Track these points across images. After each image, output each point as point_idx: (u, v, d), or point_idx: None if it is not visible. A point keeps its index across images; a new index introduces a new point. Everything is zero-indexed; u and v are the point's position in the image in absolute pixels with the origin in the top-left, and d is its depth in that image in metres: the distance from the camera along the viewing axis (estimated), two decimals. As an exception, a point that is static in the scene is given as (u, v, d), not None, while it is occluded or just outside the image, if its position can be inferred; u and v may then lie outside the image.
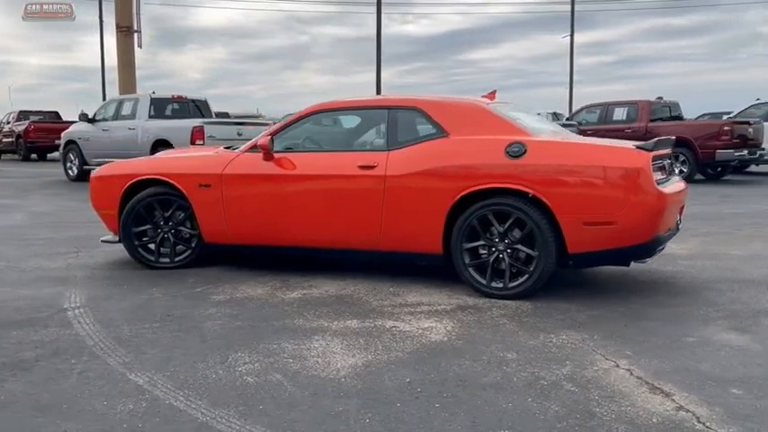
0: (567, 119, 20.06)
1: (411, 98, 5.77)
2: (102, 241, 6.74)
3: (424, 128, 5.58)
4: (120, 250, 6.84)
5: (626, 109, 17.38)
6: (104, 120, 15.88)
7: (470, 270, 5.29)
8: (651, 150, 5.04)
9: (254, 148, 6.01)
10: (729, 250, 7.23)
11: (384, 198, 5.44)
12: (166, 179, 6.18)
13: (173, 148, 13.88)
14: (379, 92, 17.04)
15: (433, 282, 5.69)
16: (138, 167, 6.48)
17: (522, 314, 4.81)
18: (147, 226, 6.33)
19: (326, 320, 4.67)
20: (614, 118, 17.41)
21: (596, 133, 15.63)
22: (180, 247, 6.34)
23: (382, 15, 30.57)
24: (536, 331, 4.42)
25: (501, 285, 5.21)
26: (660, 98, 17.35)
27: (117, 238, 6.52)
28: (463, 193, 5.20)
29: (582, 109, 19.16)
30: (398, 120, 5.64)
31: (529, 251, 5.12)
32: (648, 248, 5.10)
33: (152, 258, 6.33)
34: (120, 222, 6.30)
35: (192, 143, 13.61)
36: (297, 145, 6.06)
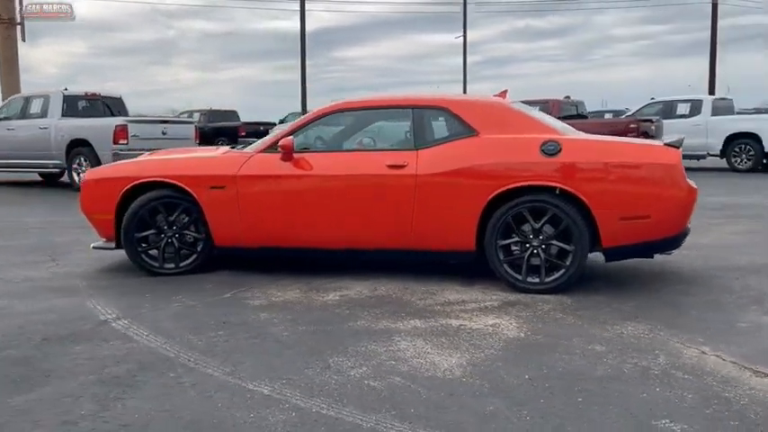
0: None
1: (437, 97, 5.81)
2: (93, 248, 6.36)
3: (452, 127, 5.62)
4: (103, 257, 6.61)
5: (537, 108, 17.71)
6: (7, 119, 14.89)
7: (505, 266, 5.40)
8: (679, 147, 5.32)
9: (270, 148, 5.87)
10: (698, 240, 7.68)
11: (415, 197, 5.46)
12: (173, 181, 5.92)
13: (91, 148, 13.28)
14: (304, 88, 16.90)
15: (457, 279, 5.74)
16: (137, 170, 6.17)
17: (569, 308, 4.95)
18: (151, 231, 6.04)
19: (389, 321, 4.64)
20: None
21: None
22: (184, 251, 6.08)
23: (251, 10, 30.04)
24: (598, 323, 4.57)
25: (537, 280, 5.34)
26: (568, 97, 17.98)
27: (112, 245, 6.19)
28: (499, 191, 5.30)
29: None
30: (424, 119, 5.67)
31: (565, 246, 5.28)
32: (677, 240, 5.38)
33: (156, 264, 6.06)
34: (122, 227, 5.98)
35: (115, 143, 13.02)
36: (314, 144, 5.97)
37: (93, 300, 5.26)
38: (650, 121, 16.77)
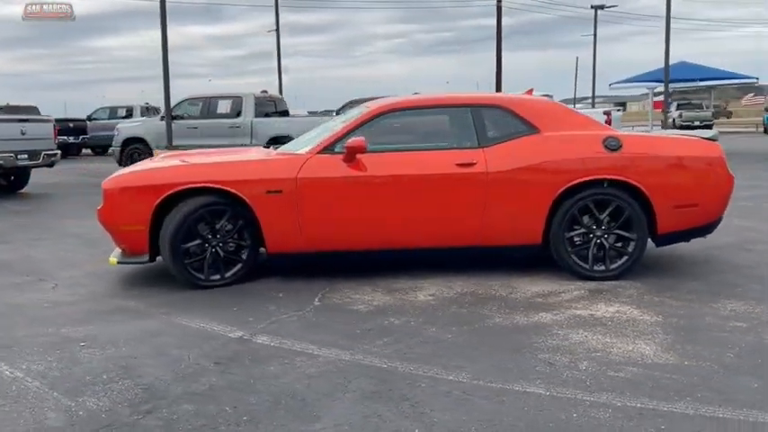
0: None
1: (493, 96, 6.00)
2: (118, 263, 5.78)
3: (513, 125, 5.79)
4: (98, 272, 6.25)
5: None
6: None
7: (573, 257, 5.70)
8: (716, 141, 5.94)
9: (327, 149, 5.70)
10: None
11: (486, 194, 5.59)
12: (224, 187, 5.55)
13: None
14: (167, 76, 15.99)
15: (511, 273, 5.92)
16: (176, 175, 5.69)
17: (652, 292, 5.31)
18: (196, 241, 5.62)
19: (521, 316, 4.76)
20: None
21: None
22: (228, 261, 5.72)
23: None
24: (700, 303, 4.98)
25: (603, 268, 5.70)
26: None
27: (143, 258, 5.68)
28: (569, 185, 5.58)
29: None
30: (484, 118, 5.80)
31: (627, 234, 5.68)
32: (715, 225, 5.98)
33: (201, 276, 5.64)
34: (168, 238, 5.50)
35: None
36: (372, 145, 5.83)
37: (180, 318, 4.84)
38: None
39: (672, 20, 21.93)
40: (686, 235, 5.96)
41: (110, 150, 18.83)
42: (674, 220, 5.74)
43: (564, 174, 5.60)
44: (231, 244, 5.71)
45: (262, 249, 5.77)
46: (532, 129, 5.75)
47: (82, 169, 20.05)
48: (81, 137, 26.70)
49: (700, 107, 39.40)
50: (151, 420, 3.20)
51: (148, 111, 26.25)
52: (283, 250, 5.71)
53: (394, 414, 3.22)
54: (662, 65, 22.89)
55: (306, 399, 3.41)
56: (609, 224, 5.68)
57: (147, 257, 5.68)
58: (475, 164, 5.60)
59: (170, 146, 15.09)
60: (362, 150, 5.51)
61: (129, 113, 25.97)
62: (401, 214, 5.64)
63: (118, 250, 6.14)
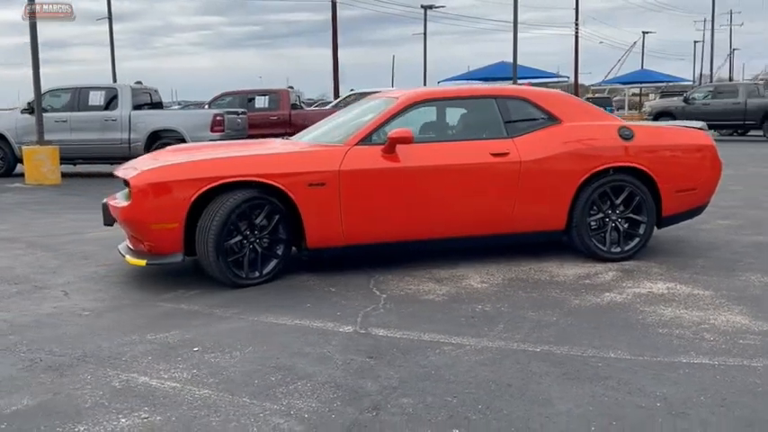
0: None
1: (517, 88, 6.21)
2: (148, 264, 5.38)
3: (537, 116, 6.04)
4: (93, 276, 5.86)
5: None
6: None
7: (594, 240, 6.05)
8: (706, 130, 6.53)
9: (364, 139, 5.65)
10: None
11: (519, 183, 5.80)
12: (265, 180, 5.34)
13: None
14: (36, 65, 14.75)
15: (533, 256, 6.17)
16: (214, 168, 5.37)
17: (672, 270, 5.75)
18: (238, 237, 5.36)
19: (592, 297, 5.02)
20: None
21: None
22: (264, 257, 5.52)
23: None
24: (723, 278, 5.50)
25: (619, 250, 6.10)
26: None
27: (176, 257, 5.34)
28: (592, 172, 5.92)
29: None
30: (509, 109, 6.00)
31: (639, 218, 6.12)
32: (704, 208, 6.56)
33: (242, 274, 5.40)
34: (212, 236, 5.20)
35: None
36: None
37: (260, 317, 4.64)
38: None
39: (491, 22, 23.16)
40: (684, 217, 6.49)
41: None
42: (676, 203, 6.24)
43: (587, 162, 5.92)
44: (266, 240, 5.50)
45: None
46: (555, 119, 6.02)
47: None
48: None
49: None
50: (386, 416, 3.09)
51: None
52: (323, 245, 5.58)
53: (613, 391, 3.33)
54: (486, 63, 24.20)
55: (511, 384, 3.44)
56: (623, 209, 6.07)
57: (180, 257, 5.33)
58: (508, 153, 5.79)
59: (41, 141, 13.93)
60: (409, 141, 5.51)
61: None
62: (441, 204, 5.71)
63: (125, 244, 5.76)
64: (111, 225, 5.92)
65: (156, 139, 14.56)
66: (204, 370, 3.70)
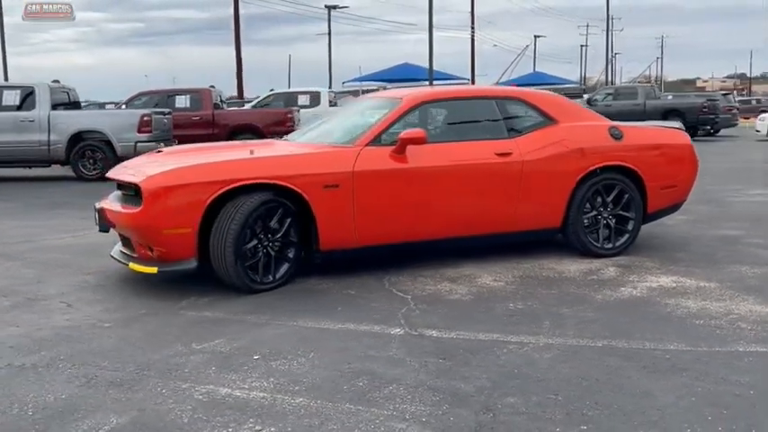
0: None
1: (514, 90, 6.30)
2: (160, 271, 5.16)
3: (533, 116, 6.17)
4: (85, 285, 5.55)
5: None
6: None
7: (588, 237, 6.24)
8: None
9: (374, 140, 5.62)
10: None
11: (521, 182, 5.92)
12: (281, 182, 5.23)
13: None
14: None
15: (530, 254, 6.28)
16: (230, 170, 5.21)
17: (666, 265, 5.97)
18: (254, 241, 5.23)
19: (609, 292, 5.18)
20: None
21: None
22: (276, 261, 5.41)
23: None
24: (724, 268, 5.78)
25: (611, 246, 6.31)
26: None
27: (189, 264, 5.16)
28: (587, 171, 6.10)
29: None
30: (507, 110, 6.11)
31: (628, 215, 6.35)
32: (681, 204, 6.88)
33: (258, 279, 5.27)
34: (231, 240, 5.04)
35: None
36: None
37: (298, 322, 4.55)
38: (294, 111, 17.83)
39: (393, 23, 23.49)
40: (665, 212, 6.78)
41: None
42: (660, 200, 6.52)
43: (583, 161, 6.10)
44: (277, 243, 5.38)
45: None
46: (551, 120, 6.17)
47: None
48: None
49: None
50: (505, 416, 3.11)
51: None
52: (336, 247, 5.52)
53: (701, 382, 3.46)
54: (389, 65, 24.44)
55: (599, 379, 3.51)
56: (613, 206, 6.29)
57: (194, 263, 5.15)
58: (511, 153, 5.89)
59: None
60: (423, 141, 5.52)
61: None
62: (450, 204, 5.75)
63: (118, 250, 5.53)
64: (107, 231, 5.65)
65: (79, 141, 13.93)
66: (281, 378, 3.59)
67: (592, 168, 6.10)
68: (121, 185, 5.59)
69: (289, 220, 5.34)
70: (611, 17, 64.80)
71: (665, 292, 5.12)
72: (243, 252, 5.12)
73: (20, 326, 4.59)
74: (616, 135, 6.26)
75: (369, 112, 6.09)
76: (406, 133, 5.51)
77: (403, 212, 5.63)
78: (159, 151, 6.19)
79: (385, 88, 28.79)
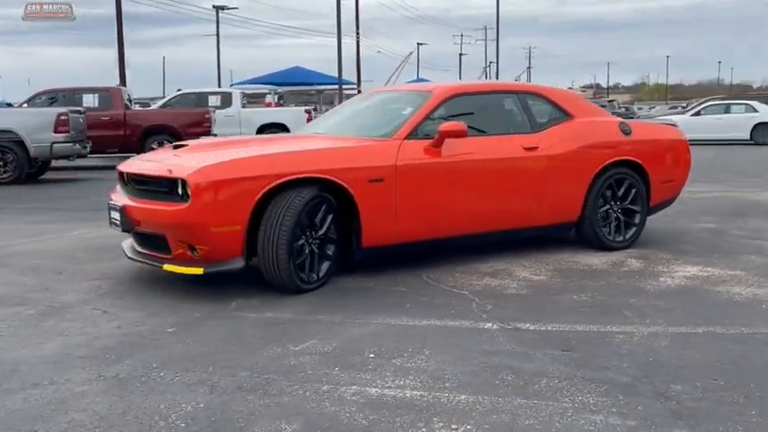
0: None
1: (532, 85, 6.28)
2: (205, 272, 4.79)
3: (552, 112, 6.21)
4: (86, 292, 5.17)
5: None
6: None
7: (603, 230, 6.35)
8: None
9: (411, 133, 5.48)
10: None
11: (546, 176, 5.95)
12: (328, 176, 5.01)
13: None
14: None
15: (546, 248, 6.31)
16: (277, 164, 4.92)
17: (682, 256, 6.13)
18: (303, 239, 4.98)
19: (654, 282, 5.26)
20: None
21: None
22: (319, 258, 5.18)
23: None
24: (740, 257, 6.01)
25: (621, 238, 6.45)
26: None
27: (239, 264, 4.85)
28: (603, 165, 6.21)
29: None
30: (528, 104, 6.12)
31: (635, 208, 6.51)
32: (676, 198, 7.11)
33: (305, 278, 5.02)
34: (283, 238, 4.76)
35: None
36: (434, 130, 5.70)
37: (373, 318, 4.36)
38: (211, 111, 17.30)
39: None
40: (663, 206, 6.99)
41: None
42: (661, 193, 6.72)
43: (600, 156, 6.20)
44: (318, 240, 5.15)
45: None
46: (568, 115, 6.24)
47: None
48: None
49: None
50: (689, 402, 3.07)
51: None
52: (378, 243, 5.33)
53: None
54: (280, 68, 24.18)
55: (736, 363, 3.54)
56: (622, 200, 6.42)
57: (241, 262, 4.84)
58: (537, 147, 5.90)
59: None
60: (463, 135, 5.43)
61: None
62: (486, 198, 5.70)
63: (132, 248, 5.20)
64: (130, 231, 5.22)
65: (-13, 142, 12.88)
66: (420, 375, 3.42)
67: (607, 162, 6.20)
68: (142, 180, 5.17)
69: (330, 216, 5.11)
70: (485, 27, 67.00)
71: (706, 281, 5.25)
72: (294, 250, 4.86)
73: (68, 335, 4.16)
74: (625, 131, 6.40)
75: (394, 105, 5.94)
76: (446, 126, 5.40)
77: (442, 207, 5.52)
78: (177, 146, 5.75)
79: (277, 92, 28.46)
